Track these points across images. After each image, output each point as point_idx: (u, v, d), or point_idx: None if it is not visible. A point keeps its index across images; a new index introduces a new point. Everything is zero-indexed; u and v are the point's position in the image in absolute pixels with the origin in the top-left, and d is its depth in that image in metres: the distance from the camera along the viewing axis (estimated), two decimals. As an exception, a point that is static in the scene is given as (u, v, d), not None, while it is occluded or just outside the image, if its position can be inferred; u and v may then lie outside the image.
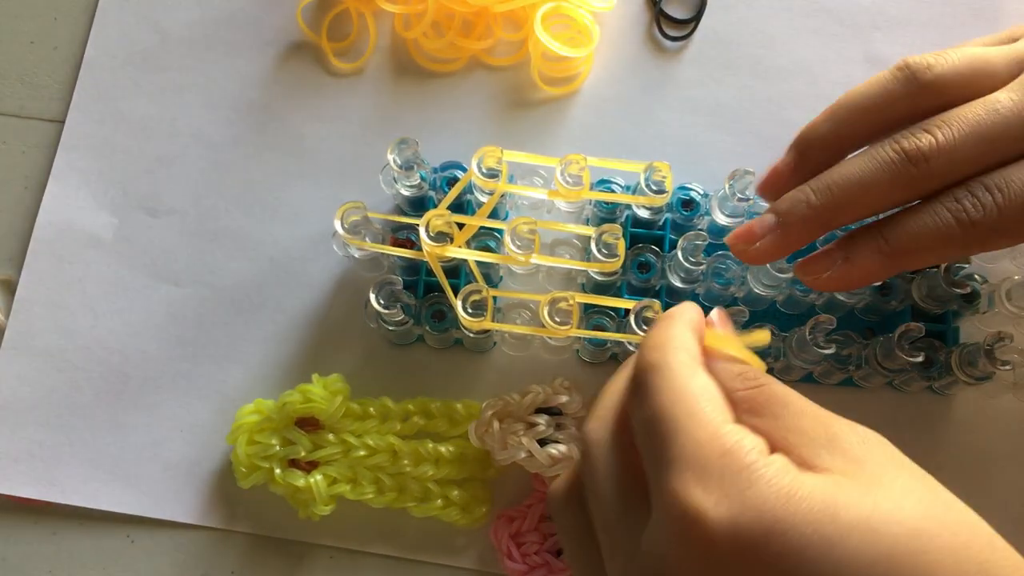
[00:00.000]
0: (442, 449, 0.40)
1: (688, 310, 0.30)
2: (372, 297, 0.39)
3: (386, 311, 0.39)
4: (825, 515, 0.23)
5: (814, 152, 0.36)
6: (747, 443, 0.25)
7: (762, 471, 0.24)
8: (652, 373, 0.27)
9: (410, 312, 0.40)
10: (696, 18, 0.47)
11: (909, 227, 0.33)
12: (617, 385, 0.30)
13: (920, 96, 0.34)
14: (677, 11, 0.47)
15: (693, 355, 0.28)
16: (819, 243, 0.38)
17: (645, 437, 0.26)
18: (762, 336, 0.30)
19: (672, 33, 0.47)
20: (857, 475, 0.24)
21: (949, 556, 0.23)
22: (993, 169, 0.32)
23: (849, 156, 0.35)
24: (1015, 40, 0.36)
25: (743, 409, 0.26)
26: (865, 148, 0.34)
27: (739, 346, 0.29)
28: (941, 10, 0.47)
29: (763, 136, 0.45)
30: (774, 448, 0.25)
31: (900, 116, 0.34)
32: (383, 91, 0.46)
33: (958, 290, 0.38)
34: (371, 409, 0.41)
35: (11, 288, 0.44)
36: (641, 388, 0.27)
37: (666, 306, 0.38)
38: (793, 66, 0.46)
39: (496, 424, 0.38)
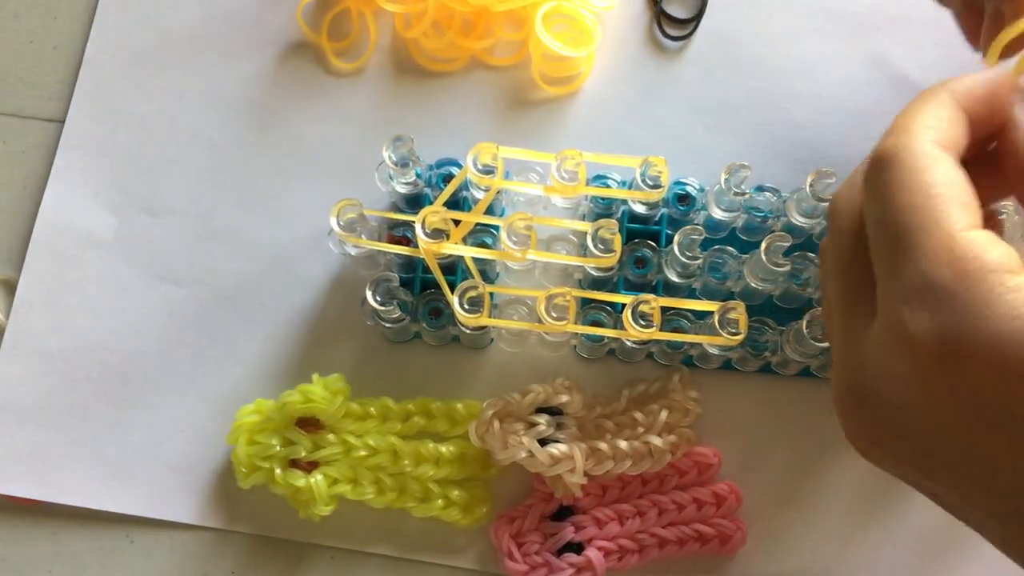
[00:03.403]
0: (443, 449, 0.40)
1: (961, 80, 0.26)
2: (369, 294, 0.39)
3: (383, 308, 0.39)
4: None
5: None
6: (991, 255, 0.22)
7: (1001, 290, 0.21)
8: (885, 163, 0.24)
9: (407, 309, 0.40)
10: (697, 18, 0.47)
11: None
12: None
13: None
14: (678, 11, 0.47)
15: (942, 138, 0.24)
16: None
17: (873, 237, 0.24)
18: None
19: (673, 33, 0.47)
20: None
21: None
22: None
23: None
24: None
25: None
26: None
27: None
28: (942, 11, 0.47)
29: (764, 136, 0.45)
30: None
31: None
32: (383, 91, 0.46)
33: None
34: (372, 409, 0.40)
35: (11, 288, 0.44)
36: (872, 180, 0.24)
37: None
38: (794, 66, 0.46)
39: (497, 424, 0.38)
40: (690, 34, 0.47)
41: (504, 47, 0.47)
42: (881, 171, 0.24)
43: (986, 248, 0.22)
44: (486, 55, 0.46)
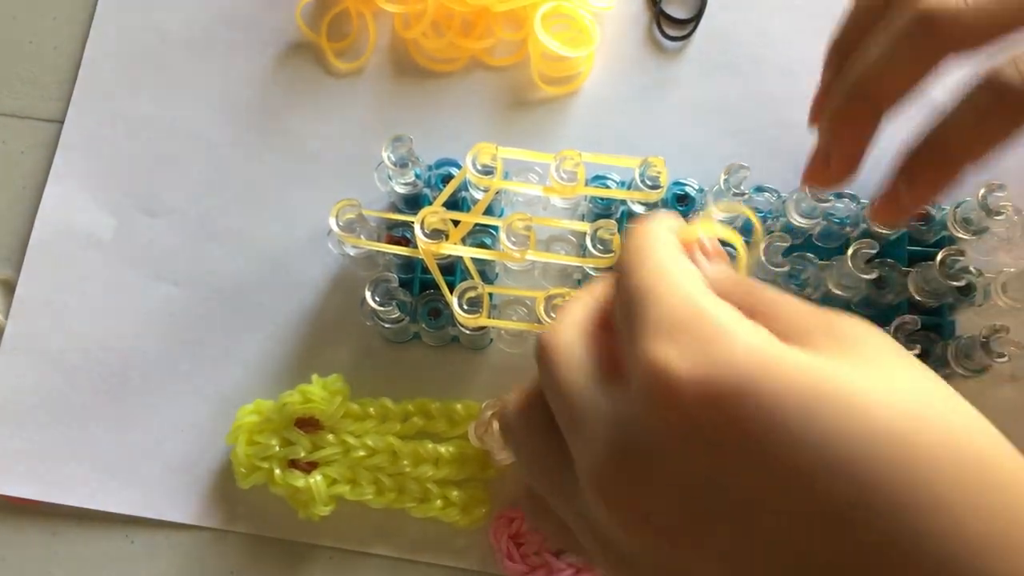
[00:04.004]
0: (441, 449, 0.40)
1: (667, 216, 0.29)
2: (368, 295, 0.39)
3: (382, 308, 0.39)
4: (807, 383, 0.21)
5: (847, 51, 0.35)
6: (724, 310, 0.23)
7: (740, 334, 0.22)
8: (635, 255, 0.26)
9: (406, 309, 0.40)
10: (696, 18, 0.47)
11: (949, 126, 0.32)
12: (581, 300, 0.29)
13: None
14: (677, 11, 0.47)
15: (677, 247, 0.27)
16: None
17: (623, 312, 0.25)
18: (732, 236, 0.29)
19: (672, 33, 0.47)
20: (850, 355, 0.22)
21: (945, 446, 0.21)
22: None
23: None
24: None
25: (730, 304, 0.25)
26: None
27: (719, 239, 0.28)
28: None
29: (763, 136, 0.45)
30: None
31: None
32: (383, 91, 0.46)
33: (954, 283, 0.38)
34: (371, 410, 0.41)
35: (11, 288, 0.44)
36: (622, 269, 0.26)
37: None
38: (793, 66, 0.46)
39: (496, 424, 0.38)
40: (690, 34, 0.47)
41: (503, 47, 0.47)
42: (631, 259, 0.26)
43: (721, 304, 0.24)
44: (486, 55, 0.46)
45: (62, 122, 0.46)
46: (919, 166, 0.34)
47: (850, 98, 0.33)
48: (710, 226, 0.28)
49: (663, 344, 0.23)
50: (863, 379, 0.22)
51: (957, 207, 0.40)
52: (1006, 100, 0.31)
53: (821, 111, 0.36)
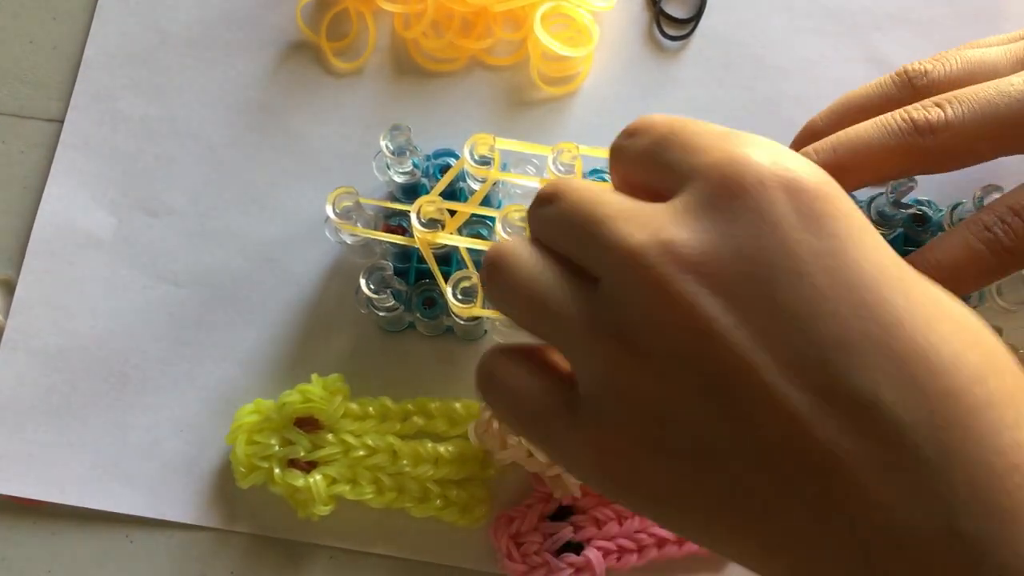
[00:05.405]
0: (441, 449, 0.40)
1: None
2: (362, 282, 0.39)
3: (376, 296, 0.39)
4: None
5: (810, 143, 0.36)
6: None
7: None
8: (559, 185, 0.28)
9: (401, 298, 0.40)
10: (696, 18, 0.47)
11: (944, 247, 0.34)
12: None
13: (916, 100, 0.35)
14: (677, 11, 0.47)
15: None
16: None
17: (570, 225, 0.27)
18: None
19: (672, 33, 0.47)
20: None
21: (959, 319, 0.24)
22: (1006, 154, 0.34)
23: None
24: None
25: None
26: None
27: None
28: (942, 10, 0.47)
29: (762, 136, 0.45)
30: None
31: None
32: (382, 91, 0.46)
33: None
34: (370, 409, 0.41)
35: (10, 288, 0.44)
36: (549, 198, 0.28)
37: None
38: (793, 66, 0.46)
39: (496, 423, 0.38)
40: (689, 34, 0.47)
41: (503, 47, 0.47)
42: (556, 189, 0.28)
43: None
44: (485, 55, 0.46)
45: (62, 122, 0.46)
46: None
47: (835, 152, 0.35)
48: None
49: (626, 222, 0.25)
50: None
51: (954, 209, 0.40)
52: (995, 252, 0.33)
53: None
